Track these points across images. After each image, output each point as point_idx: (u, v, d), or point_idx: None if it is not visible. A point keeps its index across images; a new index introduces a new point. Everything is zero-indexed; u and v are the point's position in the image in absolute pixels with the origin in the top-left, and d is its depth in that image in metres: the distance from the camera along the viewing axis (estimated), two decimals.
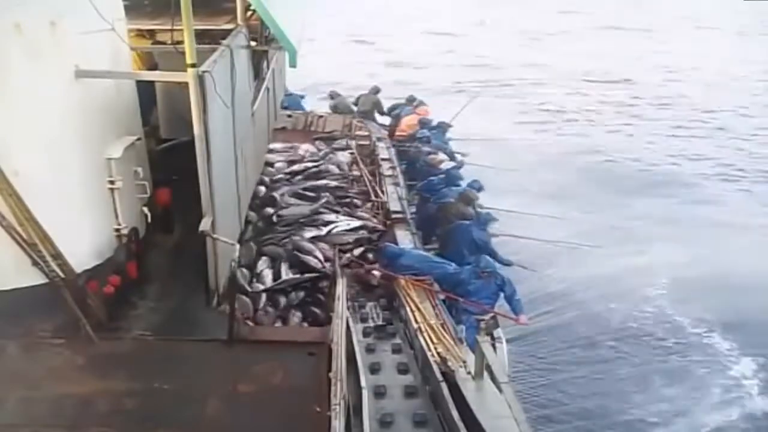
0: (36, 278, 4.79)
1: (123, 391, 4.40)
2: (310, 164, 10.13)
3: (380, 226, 8.53)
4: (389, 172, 10.20)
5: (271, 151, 10.02)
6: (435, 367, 5.42)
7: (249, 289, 6.74)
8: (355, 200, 9.24)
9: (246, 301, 6.44)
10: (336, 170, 10.11)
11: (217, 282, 5.47)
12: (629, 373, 9.37)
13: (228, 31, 6.45)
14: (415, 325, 6.16)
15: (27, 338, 4.72)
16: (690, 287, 11.11)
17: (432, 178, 10.28)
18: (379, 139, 11.75)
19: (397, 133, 12.61)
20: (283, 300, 6.74)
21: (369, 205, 9.22)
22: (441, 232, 9.13)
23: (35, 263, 4.74)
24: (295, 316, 6.53)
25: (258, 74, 7.65)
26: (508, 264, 8.63)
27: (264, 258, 7.33)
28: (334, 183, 9.62)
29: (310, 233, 7.93)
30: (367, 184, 9.79)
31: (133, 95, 6.00)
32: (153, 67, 7.26)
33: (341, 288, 5.69)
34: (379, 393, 5.38)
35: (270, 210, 8.40)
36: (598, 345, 9.95)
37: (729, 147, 19.85)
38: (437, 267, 7.31)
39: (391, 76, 23.09)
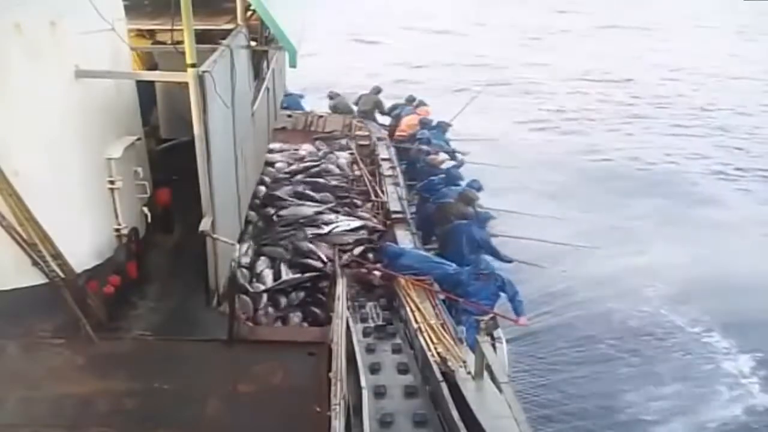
0: (36, 278, 4.79)
1: (123, 391, 4.39)
2: (310, 164, 10.13)
3: (380, 226, 8.53)
4: (389, 172, 10.21)
5: (271, 151, 10.02)
6: (435, 367, 5.42)
7: (249, 289, 6.73)
8: (355, 200, 9.25)
9: (246, 301, 6.44)
10: (336, 170, 10.11)
11: (217, 282, 5.47)
12: (629, 373, 9.37)
13: (228, 31, 6.45)
14: (415, 325, 6.16)
15: (27, 338, 4.72)
16: (689, 287, 11.11)
17: (432, 177, 10.29)
18: (379, 139, 11.76)
19: (397, 133, 12.61)
20: (283, 300, 6.74)
21: (369, 205, 9.22)
22: (440, 232, 9.13)
23: (35, 263, 4.74)
24: (295, 316, 6.53)
25: (258, 74, 7.65)
26: (508, 261, 8.65)
27: (264, 258, 7.33)
28: (334, 183, 9.63)
29: (310, 233, 7.93)
30: (367, 184, 9.79)
31: (133, 95, 6.00)
32: (153, 67, 7.26)
33: (341, 288, 5.70)
34: (379, 393, 5.39)
35: (270, 210, 8.41)
36: (598, 345, 9.95)
37: (728, 146, 19.87)
38: (437, 267, 7.32)
39: (391, 75, 23.08)
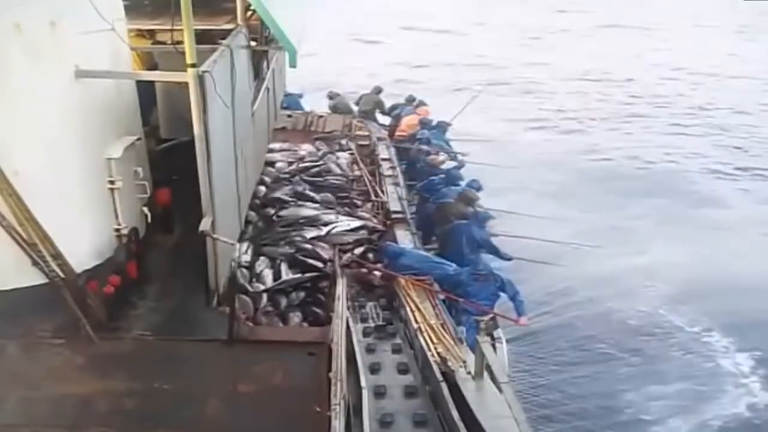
0: (36, 278, 4.79)
1: (123, 391, 4.39)
2: (310, 164, 10.13)
3: (380, 226, 8.53)
4: (389, 172, 10.21)
5: (271, 151, 10.02)
6: (435, 367, 5.42)
7: (249, 289, 6.73)
8: (355, 200, 9.24)
9: (246, 301, 6.44)
10: (336, 170, 10.11)
11: (217, 282, 5.47)
12: (629, 373, 9.37)
13: (228, 31, 6.45)
14: (415, 325, 6.16)
15: (27, 338, 4.72)
16: (689, 287, 11.11)
17: (432, 177, 10.29)
18: (379, 139, 11.76)
19: (397, 133, 12.61)
20: (283, 300, 6.74)
21: (369, 205, 9.22)
22: (440, 232, 9.13)
23: (35, 263, 4.74)
24: (295, 316, 6.53)
25: (258, 74, 7.65)
26: (508, 259, 8.67)
27: (264, 258, 7.32)
28: (334, 183, 9.62)
29: (310, 233, 7.93)
30: (367, 184, 9.79)
31: (133, 95, 6.00)
32: (153, 67, 7.26)
33: (341, 288, 5.70)
34: (379, 393, 5.38)
35: (270, 210, 8.41)
36: (598, 345, 9.95)
37: (727, 145, 19.89)
38: (437, 267, 7.32)
39: (391, 75, 23.08)
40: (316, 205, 8.77)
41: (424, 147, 11.34)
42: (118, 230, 5.45)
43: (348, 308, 5.91)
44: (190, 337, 5.07)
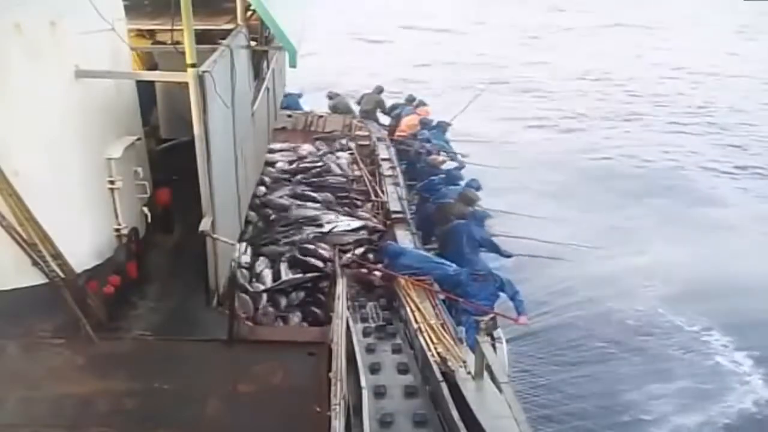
0: (36, 278, 4.79)
1: (123, 391, 4.39)
2: (310, 164, 10.13)
3: (380, 226, 8.53)
4: (389, 172, 10.22)
5: (271, 151, 10.02)
6: (435, 367, 5.43)
7: (249, 289, 6.73)
8: (356, 200, 9.24)
9: (246, 301, 6.44)
10: (336, 170, 10.11)
11: (217, 282, 5.47)
12: (629, 373, 9.37)
13: (228, 31, 6.45)
14: (415, 325, 6.16)
15: (27, 338, 4.72)
16: (689, 287, 11.10)
17: (432, 177, 10.30)
18: (379, 139, 11.76)
19: (397, 133, 12.61)
20: (283, 300, 6.74)
21: (369, 205, 9.23)
22: (440, 232, 9.13)
23: (35, 263, 4.74)
24: (295, 316, 6.53)
25: (258, 74, 7.65)
26: (508, 256, 8.68)
27: (264, 258, 7.33)
28: (334, 183, 9.63)
29: (310, 233, 7.93)
30: (367, 184, 9.79)
31: (133, 95, 6.00)
32: (153, 67, 7.26)
33: (341, 288, 5.70)
34: (379, 393, 5.39)
35: (270, 210, 8.41)
36: (598, 345, 9.95)
37: (727, 144, 19.91)
38: (437, 267, 7.32)
39: (392, 75, 23.06)
40: (316, 205, 8.77)
41: (427, 144, 11.36)
42: (118, 230, 5.44)
43: (348, 308, 5.91)
44: (190, 337, 5.07)
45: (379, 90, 14.10)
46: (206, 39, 6.10)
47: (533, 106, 22.86)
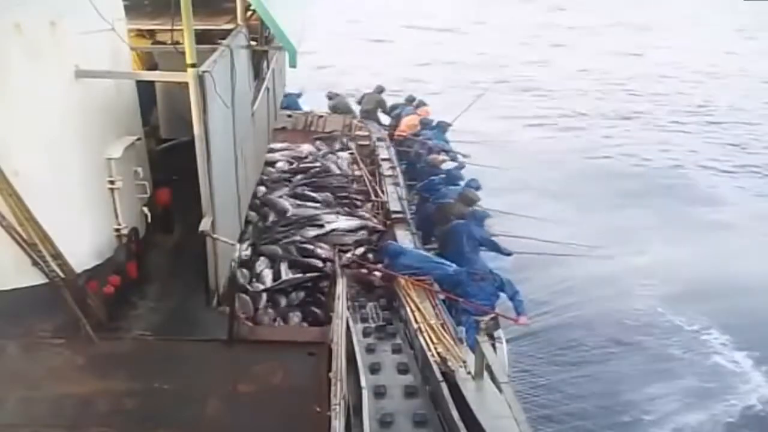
0: (36, 278, 4.80)
1: (123, 391, 4.40)
2: (310, 164, 10.13)
3: (380, 227, 8.53)
4: (389, 172, 10.21)
5: (271, 151, 10.02)
6: (435, 367, 5.42)
7: (249, 289, 6.73)
8: (355, 200, 9.24)
9: (246, 301, 6.44)
10: (336, 170, 10.11)
11: (217, 282, 5.47)
12: (629, 373, 9.37)
13: (228, 31, 6.45)
14: (415, 325, 6.16)
15: (27, 338, 4.72)
16: (689, 286, 11.10)
17: (432, 177, 10.30)
18: (379, 139, 11.76)
19: (397, 133, 12.61)
20: (283, 300, 6.73)
21: (369, 205, 9.23)
22: (440, 232, 9.13)
23: (35, 263, 4.75)
24: (295, 316, 6.52)
25: (258, 74, 7.65)
26: (509, 254, 8.70)
27: (264, 258, 7.32)
28: (334, 183, 9.63)
29: (310, 233, 7.93)
30: (367, 184, 9.79)
31: (133, 95, 6.00)
32: (153, 67, 7.26)
33: (341, 288, 5.70)
34: (379, 393, 5.38)
35: (270, 210, 8.40)
36: (597, 345, 9.95)
37: (727, 143, 19.94)
38: (437, 267, 7.32)
39: (393, 74, 23.04)
40: (316, 205, 8.77)
41: (428, 142, 11.35)
42: (118, 230, 5.45)
43: (348, 308, 5.91)
44: (190, 337, 5.07)
45: (380, 90, 14.10)
46: (206, 39, 6.10)
47: (533, 105, 22.87)
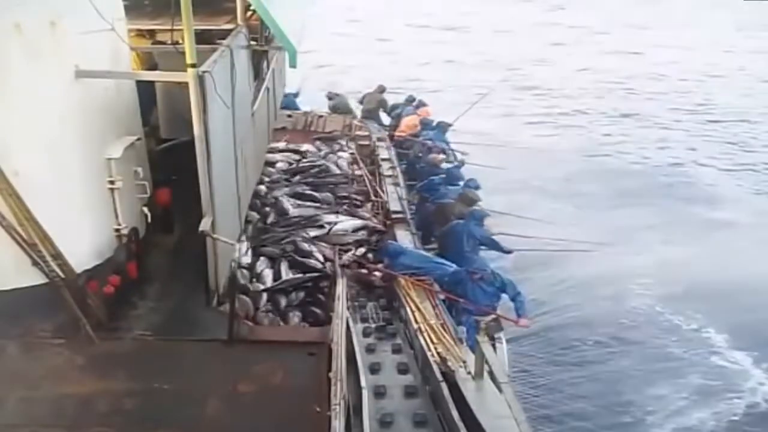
0: (36, 278, 4.79)
1: (123, 391, 4.40)
2: (310, 164, 10.13)
3: (380, 227, 8.53)
4: (389, 172, 10.22)
5: (271, 151, 10.02)
6: (435, 367, 5.42)
7: (249, 289, 6.73)
8: (355, 200, 9.24)
9: (246, 301, 6.44)
10: (336, 170, 10.11)
11: (217, 282, 5.47)
12: (629, 373, 9.37)
13: (228, 31, 6.45)
14: (415, 325, 6.16)
15: (27, 338, 4.72)
16: (689, 286, 11.10)
17: (432, 177, 10.29)
18: (379, 139, 11.76)
19: (397, 134, 12.61)
20: (283, 300, 6.73)
21: (369, 205, 9.23)
22: (440, 232, 9.12)
23: (35, 263, 4.74)
24: (295, 316, 6.53)
25: (258, 74, 7.65)
26: (509, 252, 8.71)
27: (264, 258, 7.32)
28: (334, 183, 9.63)
29: (310, 233, 7.93)
30: (367, 184, 9.79)
31: (133, 95, 6.00)
32: (153, 67, 7.25)
33: (341, 288, 5.70)
34: (379, 393, 5.38)
35: (270, 210, 8.40)
36: (598, 345, 9.95)
37: (726, 142, 19.95)
38: (437, 267, 7.32)
39: (395, 73, 23.05)
40: (316, 205, 8.77)
41: (427, 143, 11.35)
42: (118, 230, 5.44)
43: (348, 308, 5.91)
44: (190, 337, 5.07)
45: (382, 89, 14.11)
46: (206, 39, 6.10)
47: (533, 104, 22.87)
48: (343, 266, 7.37)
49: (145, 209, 5.86)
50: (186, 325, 5.26)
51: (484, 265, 7.58)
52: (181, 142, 6.45)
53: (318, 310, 6.57)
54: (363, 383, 5.12)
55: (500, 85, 23.34)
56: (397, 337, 6.40)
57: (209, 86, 4.97)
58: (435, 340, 5.87)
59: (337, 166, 10.28)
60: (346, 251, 7.83)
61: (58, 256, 4.80)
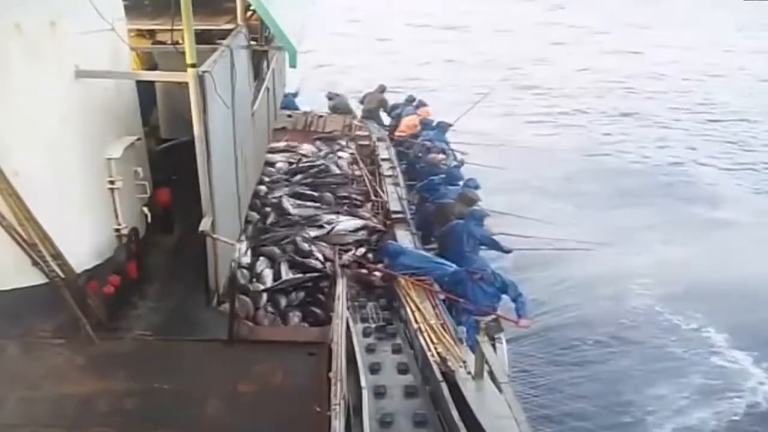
0: (36, 278, 4.79)
1: (123, 391, 4.40)
2: (310, 164, 10.13)
3: (380, 227, 8.53)
4: (389, 172, 10.22)
5: (271, 151, 10.02)
6: (435, 367, 5.42)
7: (249, 289, 6.73)
8: (355, 200, 9.24)
9: (246, 301, 6.44)
10: (336, 170, 10.11)
11: (217, 282, 5.47)
12: (629, 373, 9.37)
13: (228, 31, 6.45)
14: (415, 325, 6.16)
15: (27, 338, 4.72)
16: (689, 286, 11.10)
17: (432, 177, 10.29)
18: (379, 139, 11.76)
19: (396, 134, 12.61)
20: (283, 300, 6.73)
21: (369, 205, 9.23)
22: (440, 232, 9.12)
23: (35, 263, 4.74)
24: (295, 316, 6.53)
25: (258, 74, 7.65)
26: (509, 251, 8.73)
27: (264, 258, 7.32)
28: (334, 183, 9.63)
29: (310, 233, 7.93)
30: (367, 184, 9.79)
31: (133, 95, 6.00)
32: (153, 67, 7.25)
33: (341, 288, 5.70)
34: (379, 393, 5.39)
35: (270, 210, 8.40)
36: (597, 345, 9.95)
37: (726, 142, 19.97)
38: (437, 267, 7.32)
39: (395, 73, 23.04)
40: (316, 205, 8.77)
41: (427, 143, 11.35)
42: (118, 230, 5.44)
43: (348, 308, 5.91)
44: (190, 337, 5.08)
45: (382, 89, 14.10)
46: (206, 39, 6.10)
47: (533, 103, 22.91)
48: (343, 266, 7.37)
49: (145, 209, 5.86)
50: (186, 325, 5.26)
51: (484, 265, 7.58)
52: (181, 142, 6.45)
53: (318, 310, 6.58)
54: (363, 383, 5.12)
55: (500, 85, 23.32)
56: (397, 337, 6.40)
57: (209, 86, 4.97)
58: (435, 340, 5.87)
59: (337, 166, 10.28)
60: (346, 251, 7.83)
61: (58, 256, 4.80)
